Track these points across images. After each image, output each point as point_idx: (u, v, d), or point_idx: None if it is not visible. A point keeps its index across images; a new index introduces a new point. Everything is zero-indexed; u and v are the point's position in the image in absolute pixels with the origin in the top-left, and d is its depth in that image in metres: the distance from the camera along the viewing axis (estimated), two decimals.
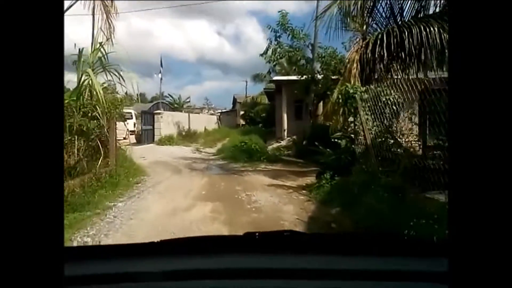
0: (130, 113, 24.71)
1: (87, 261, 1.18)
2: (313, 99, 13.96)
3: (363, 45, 7.77)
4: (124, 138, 23.63)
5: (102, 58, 8.82)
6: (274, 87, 28.34)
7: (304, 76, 14.04)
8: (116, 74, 8.62)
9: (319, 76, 13.90)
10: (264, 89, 32.61)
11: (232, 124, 40.27)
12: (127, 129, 22.79)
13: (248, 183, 9.12)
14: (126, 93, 9.83)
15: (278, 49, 13.92)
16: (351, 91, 7.43)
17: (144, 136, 19.48)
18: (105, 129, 8.07)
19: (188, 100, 51.21)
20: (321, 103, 16.63)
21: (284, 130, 22.22)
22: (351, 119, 7.81)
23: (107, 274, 1.12)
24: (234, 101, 49.78)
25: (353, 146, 7.79)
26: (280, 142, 21.09)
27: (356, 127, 7.68)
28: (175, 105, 41.83)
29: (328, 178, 7.46)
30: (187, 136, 22.56)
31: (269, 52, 14.18)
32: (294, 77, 16.07)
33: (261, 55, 14.26)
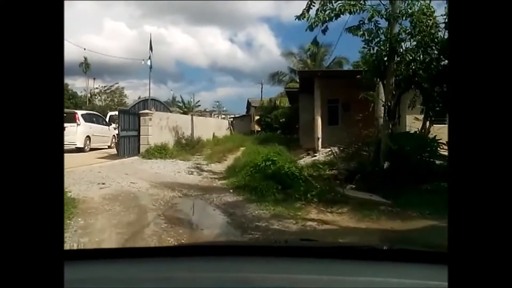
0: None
1: (87, 264, 1.20)
2: (392, 88, 8.09)
3: None
4: (109, 147, 18.17)
5: None
6: (299, 85, 23.02)
7: (375, 49, 8.20)
8: None
9: (403, 47, 8.05)
10: (286, 88, 27.12)
11: (246, 131, 35.43)
12: (114, 136, 17.31)
13: None
14: None
15: (329, 4, 8.13)
16: None
17: (123, 146, 13.78)
18: None
19: (198, 104, 46.24)
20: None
21: (318, 139, 16.42)
22: None
23: (107, 277, 1.13)
24: (248, 105, 45.05)
25: None
26: (315, 155, 15.32)
27: None
28: (185, 109, 37.14)
29: None
30: (188, 145, 16.82)
31: (312, 11, 8.38)
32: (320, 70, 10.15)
33: (298, 17, 8.49)
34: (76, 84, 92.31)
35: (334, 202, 6.56)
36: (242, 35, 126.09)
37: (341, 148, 13.77)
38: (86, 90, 54.71)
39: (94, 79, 56.14)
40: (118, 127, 13.81)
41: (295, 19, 8.62)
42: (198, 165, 12.77)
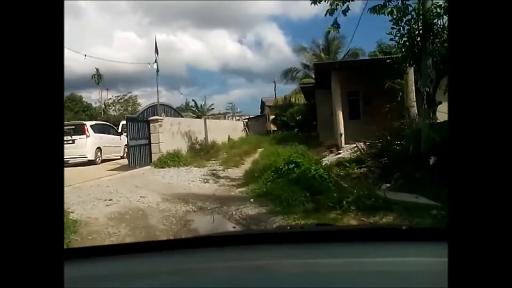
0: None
1: (88, 261, 1.19)
2: (430, 71, 7.02)
3: None
4: (122, 157, 17.41)
5: None
6: (315, 80, 21.98)
7: (405, 28, 7.14)
8: None
9: (438, 24, 6.98)
10: (300, 84, 26.15)
11: (262, 131, 34.61)
12: (126, 145, 16.55)
13: None
14: None
15: None
16: None
17: (134, 156, 12.96)
18: None
19: (212, 107, 45.51)
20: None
21: (341, 135, 15.37)
22: None
23: (108, 274, 1.13)
24: (263, 105, 44.19)
25: None
26: (339, 153, 14.27)
27: None
28: (198, 113, 36.48)
29: None
30: (203, 151, 15.92)
31: None
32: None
33: (314, 1, 7.49)
34: (92, 96, 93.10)
35: (375, 209, 5.51)
36: (251, 36, 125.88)
37: (367, 143, 12.70)
38: (100, 101, 54.79)
39: (107, 89, 56.26)
40: (127, 136, 12.97)
41: (311, 3, 7.64)
42: (214, 172, 11.85)
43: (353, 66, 17.13)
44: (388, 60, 8.83)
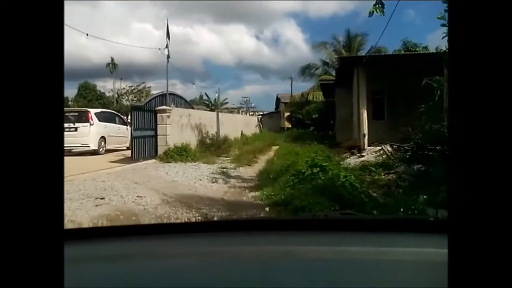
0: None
1: (87, 242, 1.20)
2: None
3: None
4: (128, 148, 16.30)
5: None
6: (335, 77, 20.77)
7: None
8: None
9: None
10: (320, 81, 24.83)
11: (276, 128, 33.49)
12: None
13: None
14: None
15: None
16: None
17: (138, 148, 11.84)
18: None
19: (225, 101, 44.41)
20: None
21: (364, 136, 14.09)
22: None
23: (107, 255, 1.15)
24: (278, 101, 43.06)
25: None
26: (362, 155, 13.01)
27: None
28: (212, 107, 35.51)
29: None
30: (213, 145, 14.75)
31: None
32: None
33: None
34: (107, 85, 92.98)
35: None
36: (268, 32, 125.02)
37: (395, 147, 11.42)
38: (113, 91, 54.25)
39: (121, 79, 55.74)
40: (131, 126, 11.83)
41: None
42: (224, 170, 10.66)
43: (382, 61, 15.75)
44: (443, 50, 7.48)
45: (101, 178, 8.75)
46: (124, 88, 54.71)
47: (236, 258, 1.11)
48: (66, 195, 6.99)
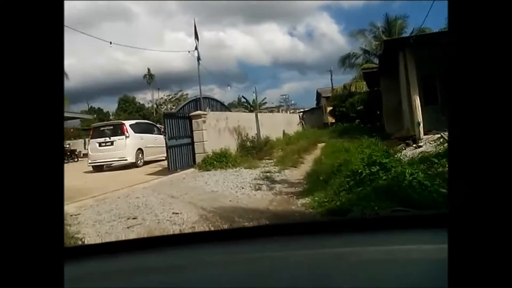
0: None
1: (87, 260, 1.17)
2: None
3: None
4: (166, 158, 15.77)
5: None
6: (379, 63, 19.35)
7: None
8: None
9: None
10: (363, 69, 23.36)
11: (318, 124, 32.31)
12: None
13: None
14: None
15: None
16: None
17: (174, 158, 11.15)
18: None
19: (264, 101, 43.60)
20: None
21: (419, 124, 12.79)
22: None
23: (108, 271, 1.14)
24: (318, 96, 41.71)
25: None
26: (420, 146, 11.70)
27: None
28: (251, 108, 34.87)
29: None
30: (254, 148, 13.87)
31: None
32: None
33: None
34: (147, 97, 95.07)
35: None
36: (301, 27, 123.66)
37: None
38: (152, 101, 54.84)
39: (159, 89, 56.27)
40: (165, 135, 11.14)
41: None
42: (268, 174, 9.74)
43: (431, 41, 14.26)
44: None
45: (135, 194, 8.07)
46: (162, 97, 55.16)
47: (290, 261, 1.09)
48: (96, 217, 6.36)
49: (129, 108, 51.59)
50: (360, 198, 5.22)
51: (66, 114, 24.50)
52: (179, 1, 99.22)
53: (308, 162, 11.80)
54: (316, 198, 6.18)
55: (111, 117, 45.86)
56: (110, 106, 52.41)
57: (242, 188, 8.11)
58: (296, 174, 9.90)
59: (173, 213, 6.28)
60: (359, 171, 5.88)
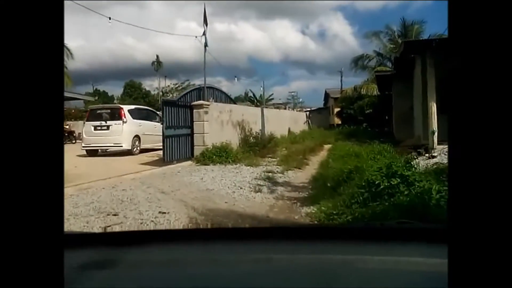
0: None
1: (87, 249, 1.17)
2: None
3: None
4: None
5: None
6: (394, 67, 18.66)
7: None
8: None
9: None
10: (376, 72, 22.52)
11: (325, 125, 31.55)
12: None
13: None
14: None
15: None
16: None
17: (170, 149, 10.38)
18: None
19: (271, 97, 42.77)
20: None
21: (433, 133, 12.01)
22: None
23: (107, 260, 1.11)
24: (326, 97, 40.91)
25: None
26: (433, 156, 10.89)
27: None
28: (257, 103, 34.14)
29: None
30: (257, 145, 13.09)
31: None
32: None
33: None
34: (154, 84, 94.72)
35: None
36: (314, 26, 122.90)
37: None
38: (158, 89, 54.18)
39: (165, 77, 55.60)
40: (163, 123, 10.34)
41: None
42: (270, 174, 8.96)
43: None
44: None
45: (122, 185, 7.32)
46: (168, 86, 54.45)
47: (294, 265, 1.10)
48: (73, 210, 5.61)
49: (134, 93, 50.98)
50: (376, 214, 4.43)
51: (67, 94, 23.82)
52: None
53: (313, 164, 11.02)
54: (324, 208, 5.39)
55: (115, 101, 45.21)
56: (116, 90, 51.95)
57: (241, 188, 7.34)
58: (300, 176, 9.12)
59: (160, 212, 5.53)
60: (377, 182, 5.08)
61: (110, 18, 10.57)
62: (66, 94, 23.28)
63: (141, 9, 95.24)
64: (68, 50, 26.09)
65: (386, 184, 4.95)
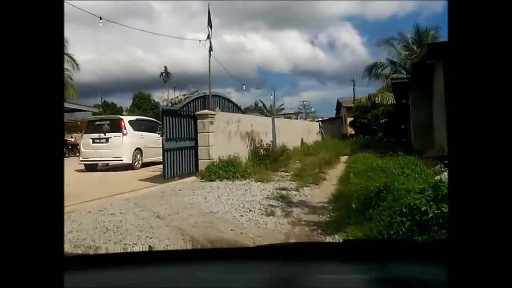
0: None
1: (87, 271, 1.14)
2: None
3: None
4: None
5: None
6: (412, 73, 17.55)
7: None
8: None
9: None
10: (392, 79, 21.36)
11: (338, 135, 30.46)
12: None
13: None
14: None
15: None
16: None
17: (171, 164, 9.35)
18: None
19: (282, 107, 41.77)
20: None
21: None
22: None
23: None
24: (339, 106, 39.83)
25: None
26: None
27: None
28: (267, 113, 33.25)
29: None
30: (268, 157, 12.03)
31: None
32: None
33: None
34: (164, 96, 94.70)
35: None
36: (323, 37, 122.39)
37: None
38: (167, 100, 53.61)
39: (174, 88, 55.21)
40: (162, 135, 9.32)
41: None
42: (284, 192, 7.86)
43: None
44: None
45: (112, 209, 6.28)
46: (177, 96, 53.87)
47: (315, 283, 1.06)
48: None
49: (143, 105, 50.38)
50: None
51: (72, 106, 23.12)
52: (202, 0, 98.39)
53: (331, 179, 9.92)
54: (351, 237, 4.32)
55: (124, 113, 44.61)
56: (125, 102, 51.62)
57: (250, 210, 6.26)
58: (318, 194, 8.01)
59: (149, 245, 4.48)
60: (421, 208, 3.97)
61: (100, 18, 9.65)
62: (70, 106, 22.57)
63: (150, 22, 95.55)
64: (74, 61, 25.38)
65: (435, 211, 3.83)
